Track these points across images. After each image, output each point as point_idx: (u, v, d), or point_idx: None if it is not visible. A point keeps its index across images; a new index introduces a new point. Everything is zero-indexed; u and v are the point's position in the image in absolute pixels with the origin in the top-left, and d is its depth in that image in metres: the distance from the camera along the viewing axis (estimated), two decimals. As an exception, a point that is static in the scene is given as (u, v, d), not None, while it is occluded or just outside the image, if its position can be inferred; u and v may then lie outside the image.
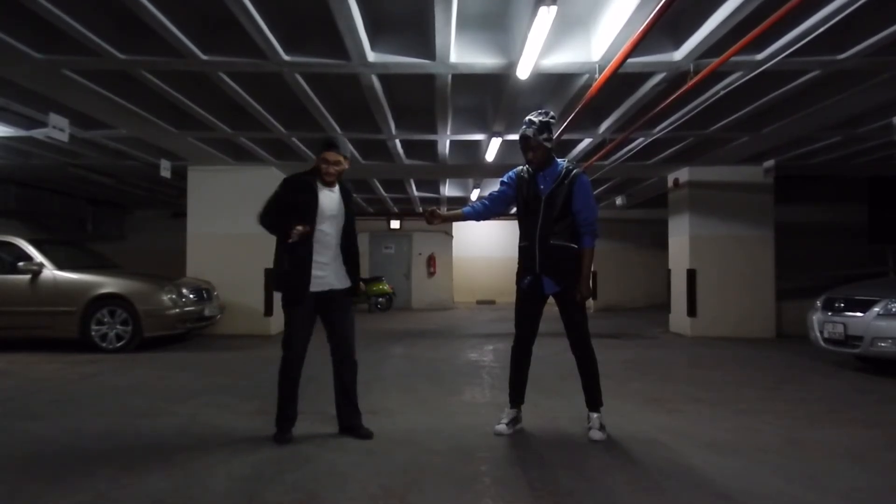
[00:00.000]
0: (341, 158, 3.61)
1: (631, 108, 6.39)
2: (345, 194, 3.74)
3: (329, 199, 3.64)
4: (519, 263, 3.80)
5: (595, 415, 3.76)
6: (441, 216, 3.82)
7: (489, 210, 3.89)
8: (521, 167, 3.86)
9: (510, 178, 3.86)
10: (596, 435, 3.67)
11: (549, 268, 3.65)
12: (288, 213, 3.52)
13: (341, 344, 3.70)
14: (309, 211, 3.54)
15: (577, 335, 3.72)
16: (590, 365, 3.73)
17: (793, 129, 7.10)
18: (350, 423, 3.74)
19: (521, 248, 3.79)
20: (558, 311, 3.76)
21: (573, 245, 3.66)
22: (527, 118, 3.67)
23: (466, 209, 3.91)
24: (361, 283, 3.86)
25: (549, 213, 3.64)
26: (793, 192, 10.82)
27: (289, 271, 3.54)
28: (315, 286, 3.56)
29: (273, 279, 3.72)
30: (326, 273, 3.61)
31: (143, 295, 7.36)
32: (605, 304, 15.30)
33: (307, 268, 3.53)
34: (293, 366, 3.63)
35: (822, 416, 4.37)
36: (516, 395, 3.87)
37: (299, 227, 3.44)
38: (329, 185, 3.65)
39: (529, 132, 3.61)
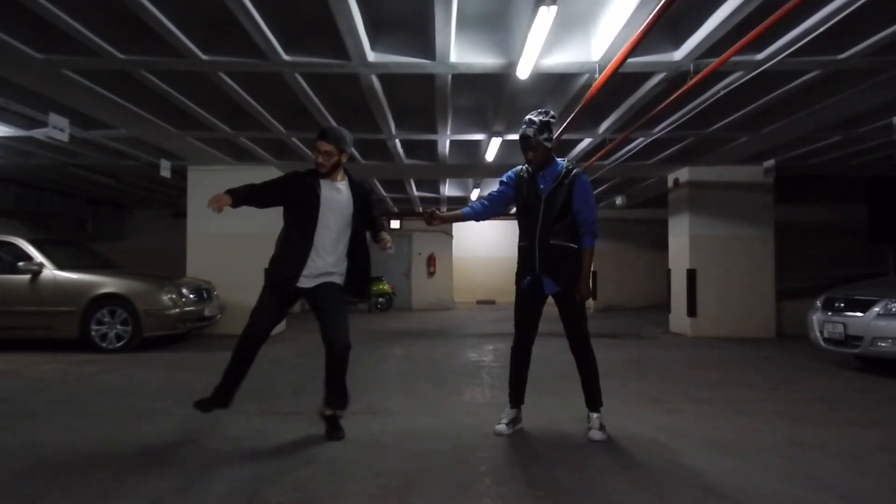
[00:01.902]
0: (331, 148, 3.52)
1: (631, 108, 6.39)
2: (358, 193, 3.66)
3: (333, 194, 3.57)
4: (518, 263, 3.79)
5: (595, 415, 3.76)
6: (440, 217, 3.81)
7: (489, 210, 3.88)
8: (520, 167, 3.85)
9: (509, 177, 3.85)
10: (596, 435, 3.67)
11: (548, 268, 3.64)
12: (272, 199, 3.54)
13: (327, 318, 3.51)
14: (306, 204, 3.48)
15: (576, 335, 3.71)
16: (589, 365, 3.73)
17: (793, 129, 7.10)
18: (325, 416, 3.65)
19: (520, 248, 3.78)
20: (557, 312, 3.76)
21: (573, 245, 3.65)
22: (527, 117, 3.67)
23: (466, 209, 3.89)
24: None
25: (548, 212, 3.63)
26: (793, 192, 10.82)
27: (280, 258, 3.52)
28: (304, 283, 3.49)
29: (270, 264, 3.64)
30: (322, 273, 3.52)
31: (143, 295, 7.36)
32: (605, 304, 15.30)
33: (300, 262, 3.46)
34: (249, 342, 3.52)
35: (822, 416, 4.37)
36: (516, 395, 3.86)
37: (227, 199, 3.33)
38: (325, 176, 3.56)
39: (530, 132, 3.61)
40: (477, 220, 3.93)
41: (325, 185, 3.57)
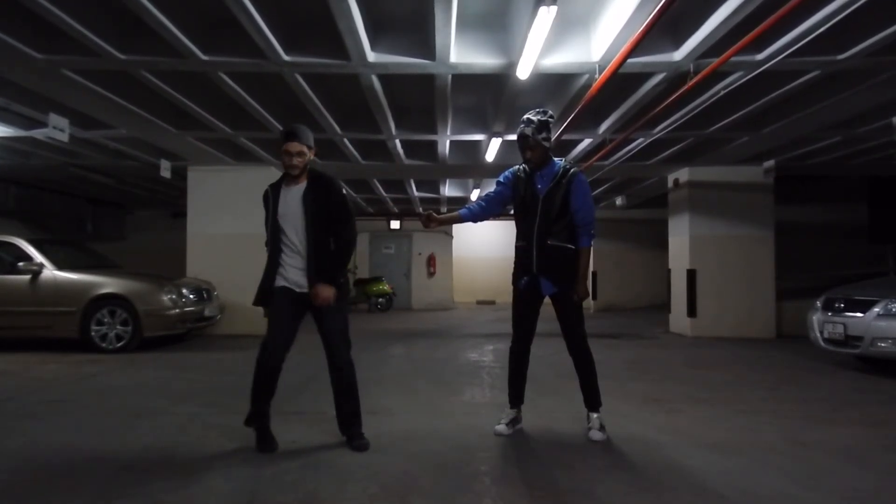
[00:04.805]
0: (304, 148, 3.39)
1: (631, 109, 6.39)
2: (314, 189, 3.43)
3: (290, 197, 3.44)
4: (515, 264, 3.78)
5: (594, 415, 3.76)
6: (438, 219, 3.77)
7: (486, 211, 3.86)
8: (517, 167, 3.84)
9: (506, 177, 3.84)
10: (596, 435, 3.67)
11: (546, 268, 3.63)
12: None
13: (327, 345, 3.54)
14: (268, 217, 3.50)
15: (573, 336, 3.70)
16: (587, 365, 3.73)
17: (793, 129, 7.10)
18: (345, 431, 3.59)
19: (517, 249, 3.77)
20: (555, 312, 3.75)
21: (570, 246, 3.64)
22: (525, 117, 3.66)
23: (463, 211, 3.88)
24: (331, 283, 3.40)
25: (546, 212, 3.62)
26: (793, 192, 10.82)
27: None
28: (291, 285, 3.46)
29: None
30: (294, 275, 3.45)
31: (143, 295, 7.36)
32: (605, 304, 15.29)
33: (271, 270, 3.48)
34: (263, 369, 3.51)
35: (822, 416, 4.37)
36: (516, 396, 3.86)
37: None
38: (295, 179, 3.44)
39: (528, 131, 3.60)
40: (474, 221, 3.91)
41: (283, 190, 3.49)
